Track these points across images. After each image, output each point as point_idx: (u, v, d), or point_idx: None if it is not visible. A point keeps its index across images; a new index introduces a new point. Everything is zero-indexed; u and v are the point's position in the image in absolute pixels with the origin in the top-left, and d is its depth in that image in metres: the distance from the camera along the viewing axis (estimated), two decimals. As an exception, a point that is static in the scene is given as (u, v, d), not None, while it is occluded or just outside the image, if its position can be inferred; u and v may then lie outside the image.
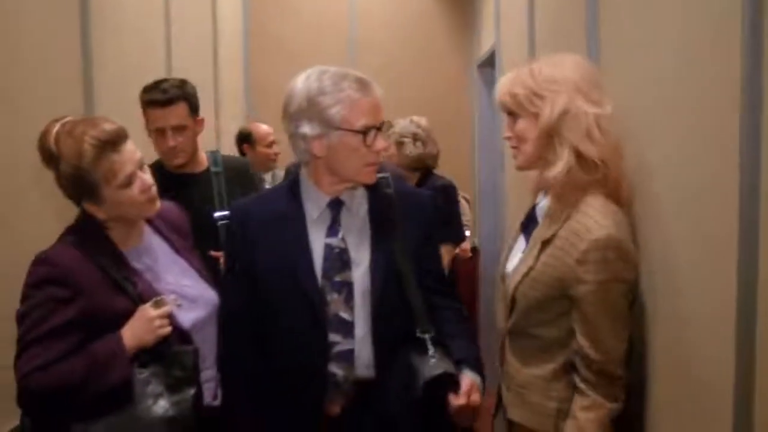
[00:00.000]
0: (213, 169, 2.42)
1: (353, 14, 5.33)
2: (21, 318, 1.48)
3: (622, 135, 1.56)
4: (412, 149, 3.46)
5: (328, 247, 1.65)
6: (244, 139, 4.13)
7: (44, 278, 1.49)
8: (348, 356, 1.62)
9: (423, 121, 3.56)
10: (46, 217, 1.87)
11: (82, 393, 1.45)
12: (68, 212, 1.65)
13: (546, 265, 1.54)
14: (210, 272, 1.83)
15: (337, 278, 1.63)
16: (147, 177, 1.61)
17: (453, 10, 5.42)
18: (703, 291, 1.28)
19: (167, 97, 2.24)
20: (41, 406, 1.46)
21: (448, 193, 3.45)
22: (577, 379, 1.52)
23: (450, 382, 1.56)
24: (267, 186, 3.54)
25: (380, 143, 1.62)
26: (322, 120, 1.58)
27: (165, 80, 2.30)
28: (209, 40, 4.04)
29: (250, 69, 5.08)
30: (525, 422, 1.61)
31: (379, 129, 1.61)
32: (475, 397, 1.57)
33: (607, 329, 1.47)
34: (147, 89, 2.26)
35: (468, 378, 1.59)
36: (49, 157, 1.54)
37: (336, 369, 1.62)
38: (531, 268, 1.57)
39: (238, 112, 4.88)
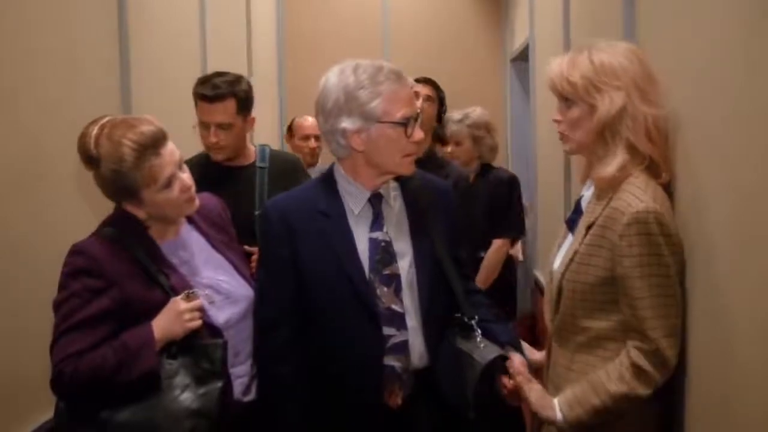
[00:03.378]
0: (259, 164, 2.37)
1: (386, 11, 5.33)
2: (57, 306, 1.51)
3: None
4: (490, 141, 3.35)
5: (374, 242, 1.65)
6: (288, 129, 4.11)
7: (79, 269, 1.51)
8: (403, 348, 1.63)
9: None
10: (84, 213, 1.90)
11: (112, 381, 1.47)
12: (105, 207, 1.68)
13: (590, 246, 1.51)
14: (248, 267, 1.83)
15: (386, 271, 1.64)
16: (186, 177, 1.62)
17: (486, 4, 5.39)
18: (748, 295, 1.23)
19: (215, 93, 2.21)
20: (73, 392, 1.49)
21: (511, 185, 3.31)
22: (625, 358, 1.45)
23: (502, 365, 1.61)
24: None
25: (418, 133, 1.63)
26: (362, 114, 1.58)
27: (220, 74, 2.27)
28: (243, 40, 4.06)
29: (284, 68, 5.12)
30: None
31: (416, 119, 1.62)
32: (528, 377, 1.61)
33: (655, 306, 1.41)
34: (200, 81, 2.26)
35: (519, 359, 1.63)
36: (89, 159, 1.54)
37: (393, 361, 1.62)
38: (576, 252, 1.55)
39: (274, 111, 4.92)
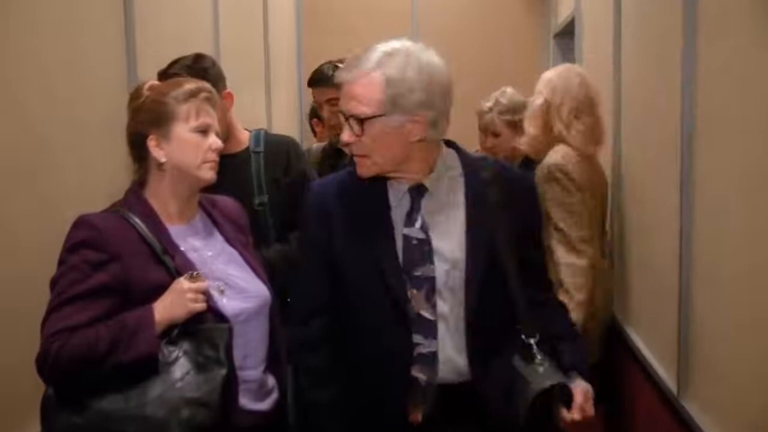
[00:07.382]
0: (254, 149, 2.23)
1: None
2: (54, 283, 1.46)
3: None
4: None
5: (406, 239, 1.56)
6: (316, 113, 3.79)
7: (80, 241, 1.47)
8: (431, 359, 1.54)
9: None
10: (87, 208, 1.79)
11: (104, 362, 1.40)
12: (110, 203, 1.64)
13: None
14: (265, 270, 1.74)
15: (417, 273, 1.54)
16: (221, 144, 1.63)
17: (525, -26, 5.15)
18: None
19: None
20: (60, 372, 1.41)
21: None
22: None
23: (561, 394, 1.51)
24: None
25: None
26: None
27: (177, 61, 2.12)
28: (259, 13, 3.95)
29: (303, 43, 4.99)
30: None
31: None
32: (590, 409, 1.52)
33: (562, 228, 2.29)
34: (159, 77, 2.09)
35: (581, 388, 1.53)
36: (138, 94, 1.60)
37: (418, 373, 1.54)
38: None
39: (292, 88, 4.79)
